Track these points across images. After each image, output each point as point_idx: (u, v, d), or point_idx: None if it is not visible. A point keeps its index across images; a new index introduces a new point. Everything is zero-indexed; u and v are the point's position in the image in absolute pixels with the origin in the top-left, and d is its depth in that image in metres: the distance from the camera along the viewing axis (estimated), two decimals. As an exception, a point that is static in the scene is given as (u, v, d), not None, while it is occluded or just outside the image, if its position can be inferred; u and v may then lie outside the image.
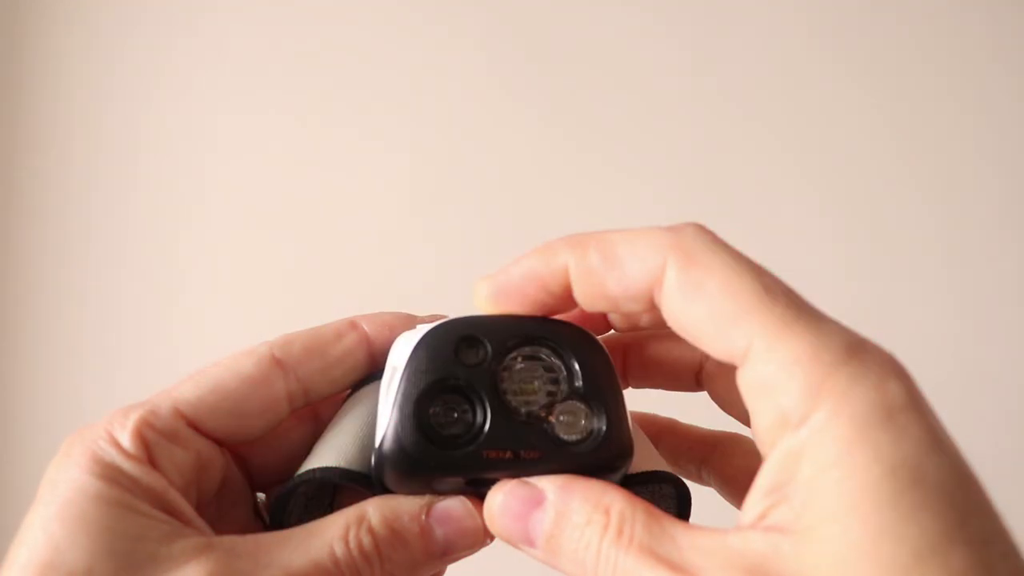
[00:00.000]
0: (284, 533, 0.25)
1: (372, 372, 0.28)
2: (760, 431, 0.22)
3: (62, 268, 0.86)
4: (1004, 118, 0.78)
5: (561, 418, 0.25)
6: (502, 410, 0.25)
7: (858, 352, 0.21)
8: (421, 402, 0.25)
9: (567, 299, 0.25)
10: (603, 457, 0.25)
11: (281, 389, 0.27)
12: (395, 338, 0.27)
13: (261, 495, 0.29)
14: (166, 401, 0.26)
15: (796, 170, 0.80)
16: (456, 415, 0.25)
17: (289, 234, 0.83)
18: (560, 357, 0.25)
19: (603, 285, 0.24)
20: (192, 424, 0.26)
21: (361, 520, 0.25)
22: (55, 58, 0.87)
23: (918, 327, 0.77)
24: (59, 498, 0.24)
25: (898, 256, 0.78)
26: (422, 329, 0.26)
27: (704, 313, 0.22)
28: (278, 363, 0.27)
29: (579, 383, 0.25)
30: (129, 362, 0.82)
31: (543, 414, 0.25)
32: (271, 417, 0.27)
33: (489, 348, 0.25)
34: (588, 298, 0.24)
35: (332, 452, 0.27)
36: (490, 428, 0.24)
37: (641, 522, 0.22)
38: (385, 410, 0.25)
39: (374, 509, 0.25)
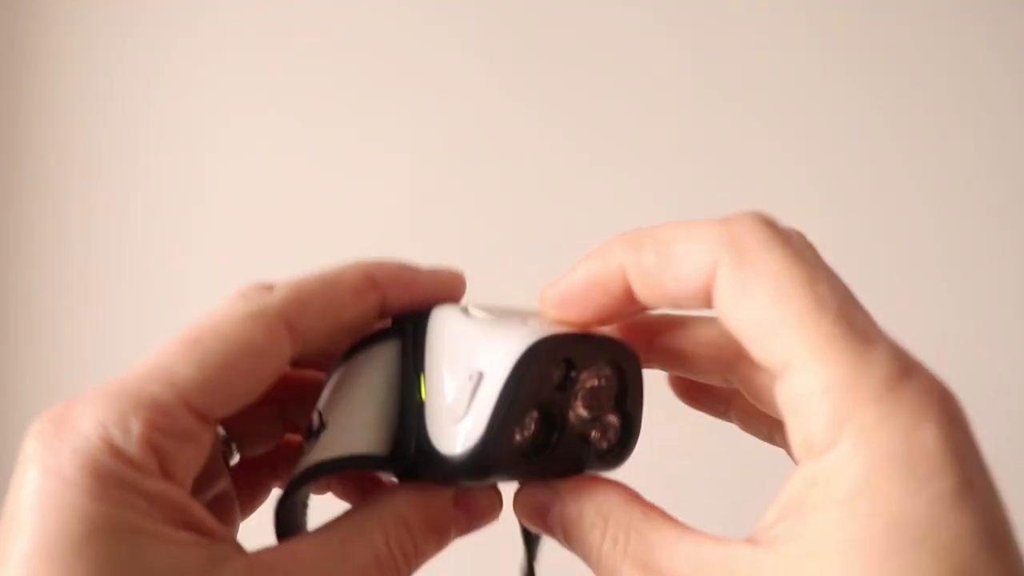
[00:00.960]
0: (319, 540, 0.23)
1: (376, 331, 0.26)
2: (792, 446, 0.21)
3: (62, 268, 0.86)
4: (1005, 118, 0.78)
5: (600, 431, 0.26)
6: (567, 426, 0.25)
7: (899, 386, 0.19)
8: (512, 424, 0.23)
9: (630, 300, 0.24)
10: (616, 463, 0.26)
11: (288, 354, 0.24)
12: (408, 299, 0.26)
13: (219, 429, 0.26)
14: (168, 391, 0.21)
15: (796, 170, 0.80)
16: (533, 429, 0.24)
17: (289, 235, 0.83)
18: (617, 379, 0.25)
19: (662, 285, 0.23)
20: (198, 414, 0.22)
21: (399, 520, 0.24)
22: (55, 58, 0.87)
23: (918, 327, 0.77)
24: (47, 528, 0.19)
25: (898, 256, 0.78)
26: (475, 314, 0.25)
27: (749, 319, 0.21)
28: (289, 328, 0.23)
29: (623, 402, 0.26)
30: (129, 363, 0.82)
31: (589, 429, 0.25)
32: (271, 383, 0.24)
33: (574, 373, 0.25)
34: (650, 299, 0.24)
35: (354, 435, 0.24)
36: (559, 445, 0.25)
37: (636, 531, 0.23)
38: (458, 409, 0.24)
39: (410, 507, 0.24)
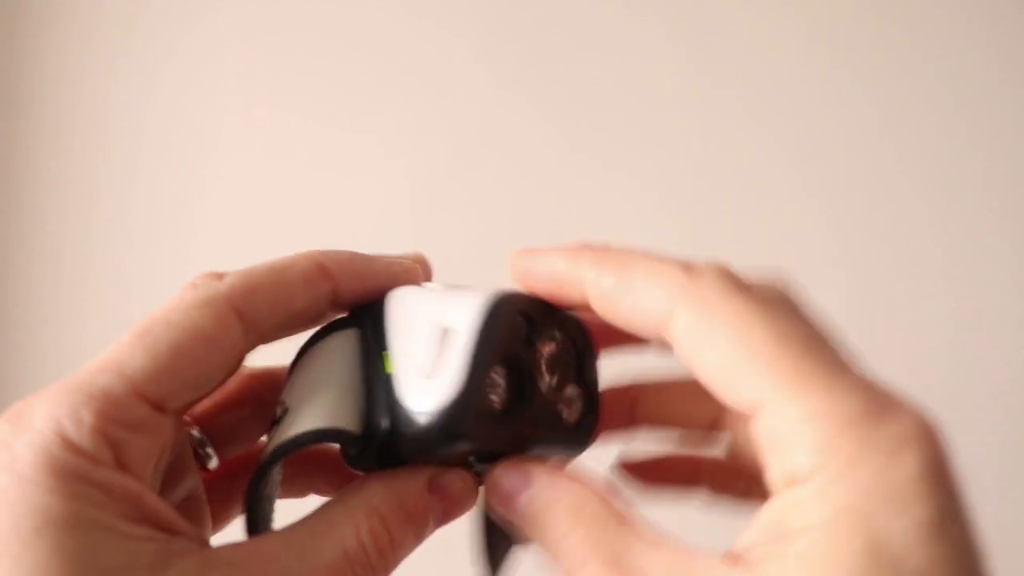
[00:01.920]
0: (285, 535, 0.22)
1: (332, 321, 0.26)
2: (771, 481, 0.21)
3: (62, 268, 0.86)
4: (1006, 117, 0.78)
5: (567, 404, 0.26)
6: (535, 391, 0.25)
7: (877, 415, 0.20)
8: (485, 375, 0.23)
9: (585, 306, 0.25)
10: (585, 441, 0.26)
11: (240, 344, 0.23)
12: (361, 289, 0.25)
13: (194, 431, 0.26)
14: (118, 381, 0.21)
15: (796, 169, 0.80)
16: (503, 388, 0.24)
17: (289, 235, 0.83)
18: (574, 345, 0.26)
19: (615, 309, 0.24)
20: (152, 403, 0.21)
21: (371, 511, 0.23)
22: (55, 58, 0.87)
23: (918, 327, 0.77)
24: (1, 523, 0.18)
25: (898, 256, 0.78)
26: (431, 288, 0.26)
27: (715, 364, 0.22)
28: (239, 315, 0.23)
29: (582, 374, 0.26)
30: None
31: (555, 398, 0.26)
32: (226, 375, 0.24)
33: (536, 329, 0.25)
34: (602, 313, 0.24)
35: (319, 411, 0.24)
36: (529, 407, 0.25)
37: (612, 529, 0.22)
38: (428, 366, 0.23)
39: (382, 496, 0.23)
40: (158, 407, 0.22)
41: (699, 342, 0.22)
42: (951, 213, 0.77)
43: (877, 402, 0.20)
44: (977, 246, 0.77)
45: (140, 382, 0.21)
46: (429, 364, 0.23)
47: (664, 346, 0.23)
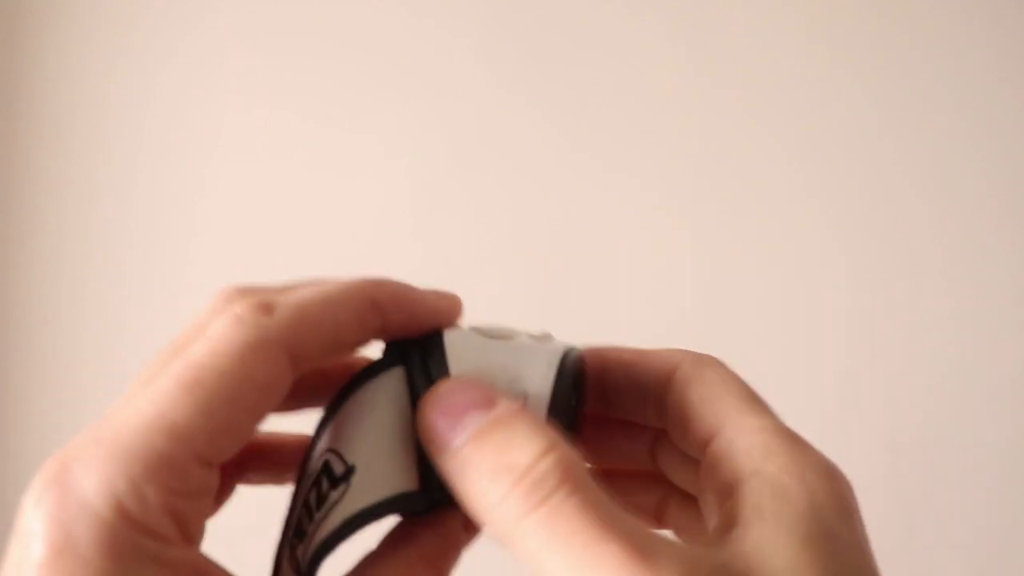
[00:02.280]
0: None
1: (375, 362, 0.25)
2: (721, 481, 0.23)
3: (61, 268, 0.86)
4: (1006, 117, 0.78)
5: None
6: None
7: (806, 443, 0.23)
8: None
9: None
10: None
11: (289, 385, 0.22)
12: (408, 323, 0.24)
13: None
14: (175, 445, 0.19)
15: (796, 169, 0.80)
16: None
17: (289, 236, 0.83)
18: (580, 393, 0.28)
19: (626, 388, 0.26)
20: (207, 462, 0.20)
21: (428, 562, 0.23)
22: (55, 58, 0.87)
23: (918, 327, 0.77)
24: None
25: (898, 256, 0.78)
26: (484, 332, 0.26)
27: (696, 398, 0.24)
28: (291, 358, 0.21)
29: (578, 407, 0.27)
30: (130, 366, 0.82)
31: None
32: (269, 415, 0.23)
33: (579, 386, 0.27)
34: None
35: (388, 474, 0.23)
36: None
37: (594, 486, 0.20)
38: None
39: (433, 546, 0.23)
40: (211, 465, 0.20)
41: (692, 382, 0.25)
42: (951, 213, 0.77)
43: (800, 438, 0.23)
44: (977, 246, 0.77)
45: (197, 443, 0.19)
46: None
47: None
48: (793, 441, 0.22)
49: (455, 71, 0.83)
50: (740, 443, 0.22)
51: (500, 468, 0.19)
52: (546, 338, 0.27)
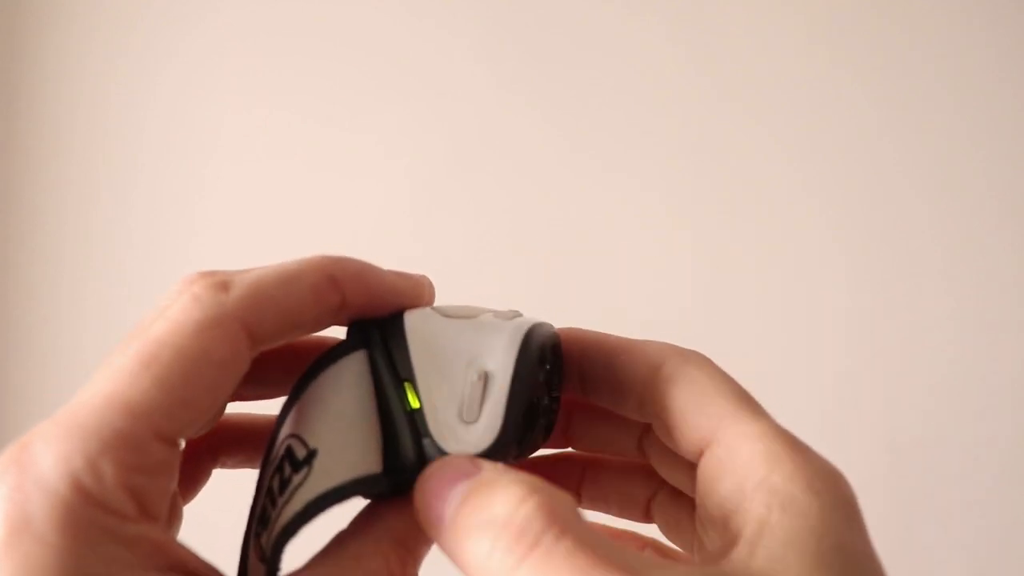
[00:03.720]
0: (312, 573, 0.21)
1: (337, 344, 0.25)
2: (723, 494, 0.22)
3: (61, 268, 0.86)
4: (1006, 117, 0.78)
5: (545, 412, 0.26)
6: (539, 411, 0.25)
7: (808, 449, 0.23)
8: (520, 419, 0.23)
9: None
10: (544, 443, 0.27)
11: (248, 361, 0.22)
12: (368, 303, 0.24)
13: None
14: (133, 422, 0.19)
15: (796, 169, 0.80)
16: (522, 423, 0.24)
17: (289, 236, 0.83)
18: (555, 363, 0.27)
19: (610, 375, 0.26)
20: (167, 440, 0.20)
21: (397, 543, 0.22)
22: (55, 58, 0.87)
23: (918, 327, 0.77)
24: None
25: (898, 256, 0.78)
26: (447, 313, 0.25)
27: (687, 398, 0.24)
28: (248, 335, 0.21)
29: (556, 386, 0.27)
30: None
31: (544, 412, 0.26)
32: (231, 395, 0.22)
33: (547, 359, 0.26)
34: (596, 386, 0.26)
35: (350, 457, 0.23)
36: (535, 428, 0.25)
37: (584, 524, 0.19)
38: (471, 411, 0.23)
39: (404, 527, 0.22)
40: (171, 443, 0.20)
41: (680, 381, 0.24)
42: (951, 213, 0.77)
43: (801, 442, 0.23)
44: (977, 246, 0.77)
45: (156, 421, 0.19)
46: (472, 408, 0.23)
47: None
48: (795, 447, 0.22)
49: (455, 71, 0.83)
50: (741, 452, 0.22)
51: (483, 524, 0.19)
52: (513, 316, 0.26)
